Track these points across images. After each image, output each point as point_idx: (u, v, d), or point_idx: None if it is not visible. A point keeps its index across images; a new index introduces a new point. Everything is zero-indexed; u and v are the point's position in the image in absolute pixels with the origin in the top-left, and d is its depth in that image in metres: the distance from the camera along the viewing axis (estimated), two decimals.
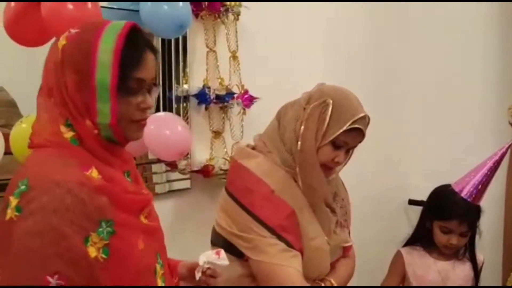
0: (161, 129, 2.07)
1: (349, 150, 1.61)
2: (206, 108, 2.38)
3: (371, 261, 2.30)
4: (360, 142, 1.62)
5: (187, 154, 2.29)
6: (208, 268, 1.30)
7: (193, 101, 2.35)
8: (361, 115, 1.56)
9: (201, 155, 2.38)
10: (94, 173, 1.11)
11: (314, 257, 1.60)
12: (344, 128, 1.53)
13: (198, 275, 1.30)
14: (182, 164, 2.32)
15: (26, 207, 1.04)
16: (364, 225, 2.69)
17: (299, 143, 1.56)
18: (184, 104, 2.34)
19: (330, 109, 1.54)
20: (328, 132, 1.54)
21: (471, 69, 3.11)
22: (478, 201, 2.09)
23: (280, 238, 1.51)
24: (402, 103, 3.25)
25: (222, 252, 1.33)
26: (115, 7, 2.04)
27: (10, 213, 1.05)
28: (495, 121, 2.96)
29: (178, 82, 2.31)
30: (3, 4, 1.62)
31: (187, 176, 2.35)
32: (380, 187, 3.02)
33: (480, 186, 2.06)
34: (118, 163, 1.21)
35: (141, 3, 2.00)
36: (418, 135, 3.20)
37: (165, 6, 1.99)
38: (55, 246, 1.03)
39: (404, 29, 3.25)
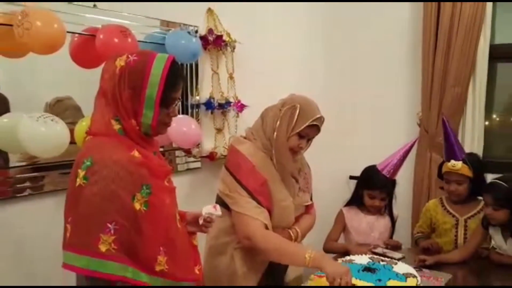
0: (180, 126, 2.05)
1: (309, 140, 1.61)
2: (212, 113, 2.36)
3: (325, 217, 2.30)
4: (317, 134, 1.62)
5: (198, 144, 2.29)
6: (208, 217, 1.32)
7: (203, 108, 2.33)
8: (318, 116, 1.57)
9: (208, 145, 2.37)
10: (136, 153, 1.14)
11: (283, 213, 1.60)
12: (307, 124, 1.54)
13: (201, 221, 1.32)
14: (195, 151, 2.32)
15: (91, 177, 1.07)
16: (319, 193, 2.69)
17: (275, 133, 1.56)
18: (196, 110, 2.32)
19: (297, 111, 1.55)
20: (296, 127, 1.55)
21: (395, 87, 3.10)
22: (394, 176, 2.11)
23: (254, 198, 1.51)
24: (351, 109, 3.24)
25: (218, 206, 1.35)
26: (148, 41, 1.97)
27: (79, 181, 1.08)
28: (409, 122, 3.01)
29: (192, 94, 2.29)
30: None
31: (198, 159, 2.34)
32: (331, 166, 3.02)
33: (395, 167, 2.08)
34: (149, 147, 1.21)
35: (166, 37, 1.97)
36: (359, 130, 3.19)
37: (182, 40, 1.97)
38: (113, 203, 1.07)
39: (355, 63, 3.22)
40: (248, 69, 2.50)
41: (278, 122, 1.56)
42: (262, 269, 1.60)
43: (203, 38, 2.25)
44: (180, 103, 1.26)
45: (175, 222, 1.23)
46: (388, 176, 2.10)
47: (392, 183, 2.19)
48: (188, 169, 2.32)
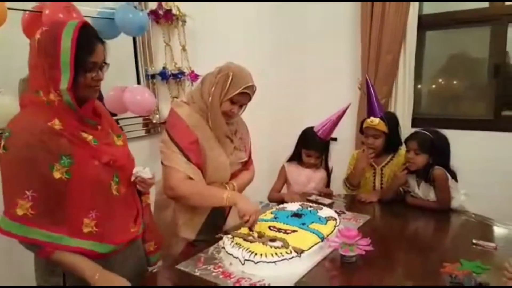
0: (135, 95, 2.02)
1: (241, 106, 1.60)
2: (167, 82, 2.31)
3: (271, 171, 2.34)
4: (248, 101, 1.60)
5: (156, 111, 2.26)
6: (138, 177, 1.28)
7: (158, 78, 2.28)
8: (250, 84, 1.54)
9: (166, 112, 2.30)
10: (56, 123, 1.07)
11: (219, 168, 1.60)
12: (238, 91, 1.52)
13: (132, 178, 1.28)
14: (155, 118, 2.29)
15: (8, 146, 1.04)
16: (270, 150, 2.73)
17: (210, 98, 1.54)
18: (153, 80, 2.26)
19: (230, 78, 1.52)
20: (228, 93, 1.53)
21: (338, 56, 3.13)
22: (327, 138, 2.15)
23: (184, 154, 1.50)
24: (301, 77, 3.24)
25: (147, 168, 1.30)
26: (99, 16, 1.89)
27: (0, 150, 1.05)
28: (351, 86, 3.05)
29: (146, 66, 2.23)
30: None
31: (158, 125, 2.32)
32: (283, 129, 3.03)
33: (329, 130, 2.14)
34: (78, 117, 1.12)
35: (115, 13, 1.89)
36: (308, 95, 3.23)
37: (130, 15, 1.90)
38: (27, 171, 1.04)
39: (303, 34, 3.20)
40: (200, 42, 2.44)
41: (213, 88, 1.53)
42: (202, 220, 1.61)
43: (153, 13, 2.18)
44: (107, 67, 1.13)
45: (107, 187, 1.16)
46: (322, 137, 2.14)
47: (326, 143, 2.21)
48: (149, 134, 2.30)
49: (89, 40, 1.08)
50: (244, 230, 1.47)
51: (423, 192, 1.93)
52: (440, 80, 3.10)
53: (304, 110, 3.13)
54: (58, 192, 1.06)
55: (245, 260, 1.25)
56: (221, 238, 1.47)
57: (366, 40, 2.87)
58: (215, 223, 1.65)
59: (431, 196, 1.90)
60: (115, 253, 1.19)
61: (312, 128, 2.17)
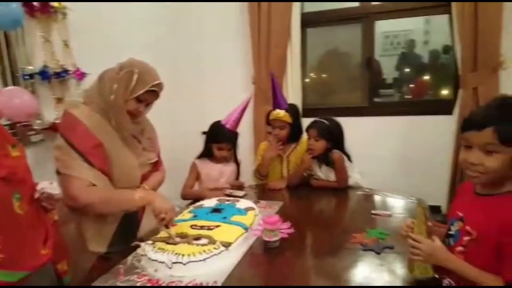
0: (11, 99, 1.71)
1: (148, 104, 1.49)
2: (49, 82, 2.02)
3: (180, 169, 2.25)
4: (155, 100, 1.50)
5: (39, 116, 1.96)
6: (43, 193, 1.11)
7: (38, 78, 1.97)
8: (158, 82, 1.44)
9: (49, 116, 2.03)
10: None
11: (128, 171, 1.47)
12: (145, 89, 1.41)
13: (36, 195, 1.11)
14: (38, 123, 1.98)
15: None
16: (177, 149, 2.63)
17: (112, 96, 1.39)
18: (31, 80, 1.95)
19: (136, 76, 1.40)
20: (134, 91, 1.40)
21: (232, 53, 3.17)
22: (235, 128, 2.16)
23: (86, 160, 1.34)
24: (197, 74, 3.19)
25: (54, 183, 1.15)
26: None
27: None
28: (245, 81, 3.12)
29: (23, 65, 1.91)
30: None
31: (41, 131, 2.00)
32: (185, 125, 2.98)
33: (236, 120, 2.14)
34: None
35: None
36: (205, 92, 3.21)
37: (1, 6, 1.60)
38: None
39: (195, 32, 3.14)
40: (86, 37, 2.20)
41: (116, 85, 1.39)
42: (112, 230, 1.47)
43: (27, 5, 1.88)
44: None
45: (9, 205, 0.99)
46: (231, 129, 2.14)
47: (235, 135, 2.22)
48: (31, 143, 1.96)
49: None
50: (163, 233, 1.38)
51: (325, 174, 2.09)
52: (321, 73, 3.38)
53: (202, 108, 3.10)
54: None
55: (173, 263, 1.17)
56: (138, 246, 1.36)
57: (256, 36, 2.96)
58: (128, 231, 1.51)
59: (332, 177, 2.07)
60: (25, 281, 1.00)
61: (219, 121, 2.15)
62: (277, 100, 2.14)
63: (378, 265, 1.21)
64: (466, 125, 0.99)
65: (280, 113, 2.11)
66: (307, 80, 3.26)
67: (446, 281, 1.05)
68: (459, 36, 2.53)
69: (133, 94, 1.40)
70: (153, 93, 1.46)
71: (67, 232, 1.42)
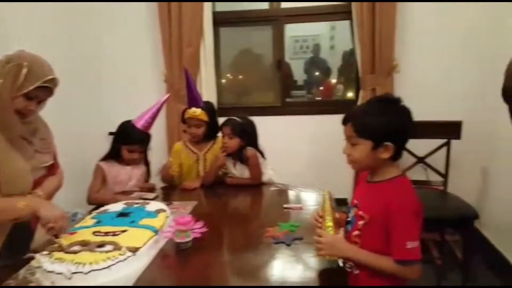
0: None
1: (40, 102, 1.34)
2: None
3: (83, 172, 2.06)
4: (50, 96, 1.35)
5: None
6: None
7: None
8: (51, 77, 1.30)
9: None
10: None
11: (17, 176, 1.31)
12: (36, 85, 1.26)
13: None
14: None
15: None
16: (81, 150, 2.42)
17: None
18: None
19: (24, 70, 1.24)
20: (23, 87, 1.25)
21: (142, 51, 3.03)
22: (148, 130, 2.06)
23: None
24: (102, 73, 2.96)
25: None
26: None
27: None
28: (156, 80, 3.00)
29: None
30: None
31: None
32: (91, 125, 2.76)
33: (150, 121, 2.05)
34: None
35: None
36: (113, 91, 3.03)
37: None
38: None
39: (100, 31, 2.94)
40: None
41: (1, 80, 1.23)
42: (0, 241, 1.30)
43: None
44: None
45: None
46: (143, 130, 2.02)
47: (148, 136, 2.11)
48: None
49: None
50: (60, 241, 1.24)
51: (239, 171, 2.09)
52: (236, 73, 3.40)
53: (110, 108, 2.92)
54: None
55: (72, 273, 1.06)
56: (32, 258, 1.20)
57: (167, 35, 2.87)
58: (19, 243, 1.34)
59: (246, 174, 2.08)
60: None
61: (129, 121, 2.02)
62: (193, 98, 2.08)
63: (290, 255, 1.24)
64: (342, 120, 1.13)
65: (197, 111, 2.06)
66: (223, 80, 3.24)
67: (347, 265, 1.12)
68: (359, 41, 2.73)
69: (21, 90, 1.25)
70: (46, 90, 1.31)
71: None
